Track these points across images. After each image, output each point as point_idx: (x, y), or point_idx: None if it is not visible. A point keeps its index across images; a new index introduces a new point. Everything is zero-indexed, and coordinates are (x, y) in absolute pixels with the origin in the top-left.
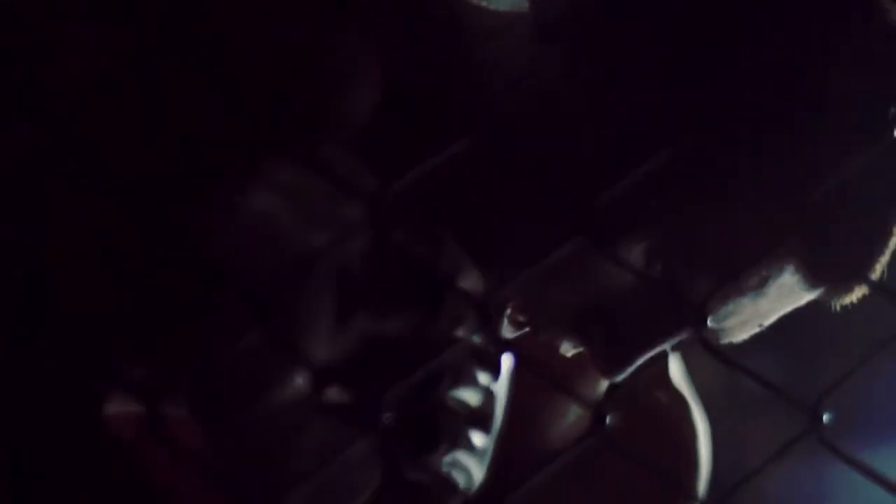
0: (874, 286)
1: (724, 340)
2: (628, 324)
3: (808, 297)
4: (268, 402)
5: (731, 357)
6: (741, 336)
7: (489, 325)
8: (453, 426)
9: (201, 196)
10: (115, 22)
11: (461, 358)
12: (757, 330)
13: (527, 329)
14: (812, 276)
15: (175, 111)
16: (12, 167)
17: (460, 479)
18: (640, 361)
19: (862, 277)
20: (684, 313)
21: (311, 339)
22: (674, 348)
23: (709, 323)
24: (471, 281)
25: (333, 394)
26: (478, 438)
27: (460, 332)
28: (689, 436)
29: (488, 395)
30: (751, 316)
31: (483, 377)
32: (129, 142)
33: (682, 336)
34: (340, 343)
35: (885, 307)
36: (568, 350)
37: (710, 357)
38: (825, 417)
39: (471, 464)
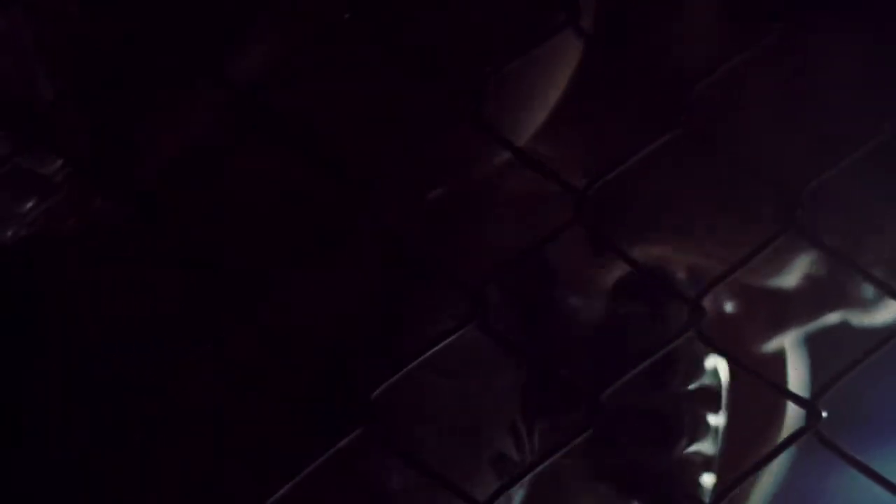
0: (874, 282)
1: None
2: None
3: None
4: None
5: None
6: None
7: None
8: (693, 415)
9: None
10: None
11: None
12: None
13: None
14: None
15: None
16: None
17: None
18: None
19: (863, 272)
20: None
21: None
22: None
23: None
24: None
25: None
26: (712, 419)
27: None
28: None
29: (714, 375)
30: None
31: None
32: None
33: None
34: None
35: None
36: None
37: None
38: (824, 414)
39: (706, 446)
